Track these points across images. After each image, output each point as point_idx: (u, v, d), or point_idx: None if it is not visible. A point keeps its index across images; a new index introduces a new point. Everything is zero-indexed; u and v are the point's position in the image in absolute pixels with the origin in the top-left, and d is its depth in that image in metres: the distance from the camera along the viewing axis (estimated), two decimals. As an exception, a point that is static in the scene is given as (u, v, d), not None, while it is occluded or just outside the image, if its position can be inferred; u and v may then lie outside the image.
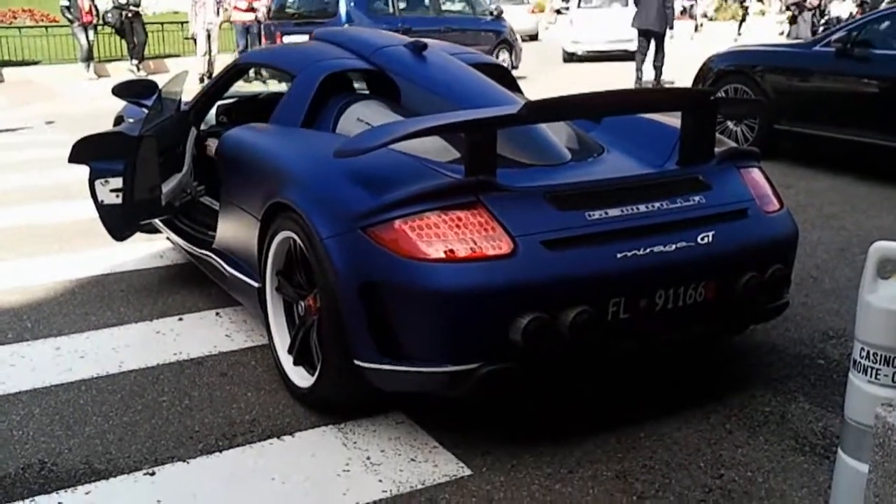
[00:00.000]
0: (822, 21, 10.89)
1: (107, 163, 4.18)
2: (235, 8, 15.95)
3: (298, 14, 14.29)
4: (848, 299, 4.35)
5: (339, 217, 2.97)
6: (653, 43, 13.58)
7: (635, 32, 13.83)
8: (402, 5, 14.23)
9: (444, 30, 13.95)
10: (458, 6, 15.87)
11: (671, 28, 13.31)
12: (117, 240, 4.46)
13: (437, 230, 2.79)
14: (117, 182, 4.16)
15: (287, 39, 13.47)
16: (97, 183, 4.22)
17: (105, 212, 4.28)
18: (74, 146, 4.17)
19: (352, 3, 13.22)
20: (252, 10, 15.81)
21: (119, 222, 4.30)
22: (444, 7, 15.25)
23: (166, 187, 4.30)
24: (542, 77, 16.32)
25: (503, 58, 15.74)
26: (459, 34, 14.21)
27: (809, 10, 10.81)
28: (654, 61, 13.72)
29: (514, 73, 15.46)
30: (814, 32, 10.89)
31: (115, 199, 4.20)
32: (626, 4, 18.69)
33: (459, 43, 13.24)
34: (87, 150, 4.20)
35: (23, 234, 5.74)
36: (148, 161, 4.10)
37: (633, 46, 14.93)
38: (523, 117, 3.06)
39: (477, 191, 2.89)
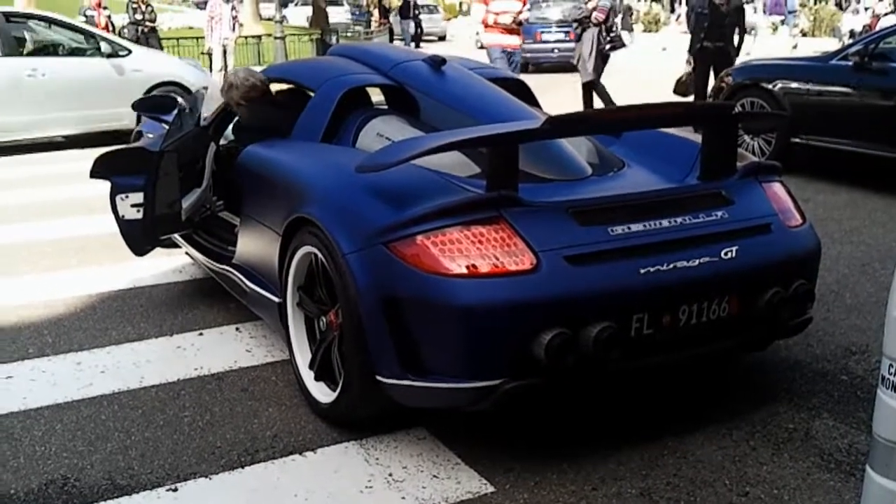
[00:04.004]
0: (608, 38, 10.37)
1: (128, 178, 4.20)
2: (496, 27, 10.00)
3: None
4: (870, 314, 4.32)
5: (360, 232, 2.97)
6: None
7: None
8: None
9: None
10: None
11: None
12: (138, 255, 4.48)
13: (460, 245, 2.78)
14: (138, 197, 4.18)
15: (546, 37, 20.06)
16: (118, 198, 4.24)
17: (126, 227, 4.30)
18: (96, 161, 4.19)
19: None
20: (515, 30, 10.08)
21: (139, 237, 4.32)
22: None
23: (186, 202, 4.32)
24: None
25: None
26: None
27: (595, 25, 10.22)
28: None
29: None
30: (599, 50, 10.30)
31: (135, 214, 4.22)
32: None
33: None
34: (109, 165, 4.22)
35: (43, 249, 5.77)
36: (169, 176, 4.12)
37: None
38: (545, 132, 3.05)
39: (499, 206, 2.88)
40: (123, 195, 4.24)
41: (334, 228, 3.05)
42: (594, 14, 10.09)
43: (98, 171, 4.22)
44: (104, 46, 10.53)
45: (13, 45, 9.96)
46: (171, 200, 4.20)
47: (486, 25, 9.95)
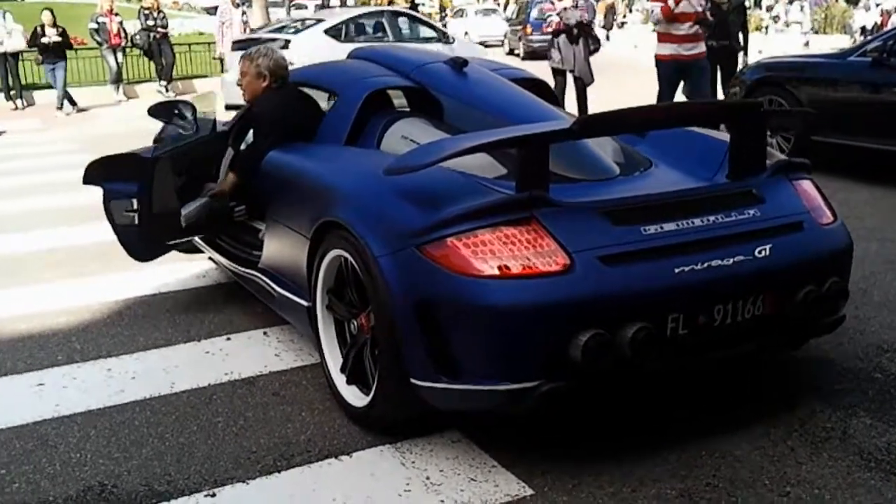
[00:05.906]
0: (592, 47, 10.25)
1: (120, 184, 4.17)
2: (671, 33, 8.29)
3: None
4: (900, 311, 4.29)
5: (392, 235, 2.96)
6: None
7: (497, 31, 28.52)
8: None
9: None
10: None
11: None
12: (140, 261, 4.48)
13: (491, 246, 2.77)
14: (131, 203, 4.15)
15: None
16: (111, 204, 4.23)
17: (121, 232, 4.29)
18: (88, 167, 4.19)
19: None
20: (696, 37, 8.33)
21: (138, 243, 4.30)
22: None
23: (186, 209, 4.26)
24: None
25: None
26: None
27: (586, 26, 10.00)
28: None
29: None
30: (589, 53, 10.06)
31: (130, 221, 4.19)
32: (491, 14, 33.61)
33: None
34: (100, 172, 4.20)
35: (65, 256, 5.79)
36: (164, 182, 4.10)
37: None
38: (575, 132, 3.04)
39: (530, 206, 2.86)
40: (116, 201, 4.21)
41: (365, 231, 3.04)
42: (582, 15, 9.99)
43: (89, 177, 4.21)
44: (440, 35, 14.06)
45: (397, 33, 13.60)
46: (169, 207, 4.17)
47: (660, 34, 8.40)
